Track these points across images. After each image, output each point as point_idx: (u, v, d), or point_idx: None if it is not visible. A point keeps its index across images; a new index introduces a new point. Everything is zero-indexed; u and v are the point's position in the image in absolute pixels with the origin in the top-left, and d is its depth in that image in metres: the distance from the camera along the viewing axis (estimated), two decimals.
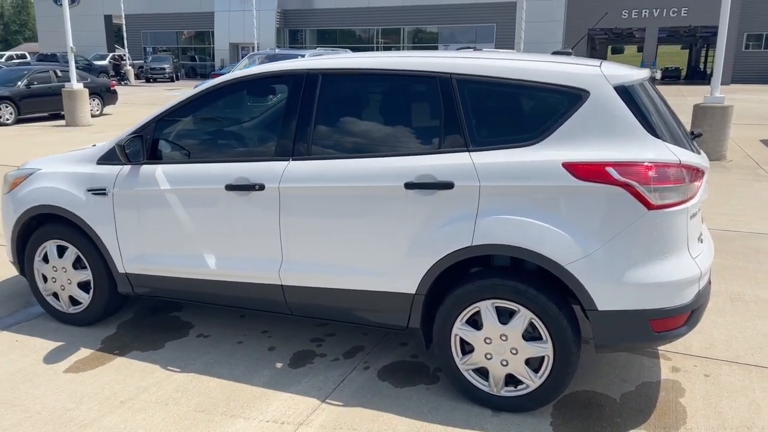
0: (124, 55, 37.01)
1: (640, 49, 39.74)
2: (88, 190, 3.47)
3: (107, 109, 18.20)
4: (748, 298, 4.18)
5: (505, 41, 36.15)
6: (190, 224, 3.27)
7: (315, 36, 42.15)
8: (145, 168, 3.36)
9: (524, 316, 2.70)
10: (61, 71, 16.24)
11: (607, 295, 2.55)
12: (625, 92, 2.62)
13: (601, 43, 48.62)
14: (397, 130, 2.92)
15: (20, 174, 3.78)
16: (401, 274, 2.88)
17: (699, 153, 2.83)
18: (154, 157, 3.39)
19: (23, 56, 39.44)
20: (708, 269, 2.73)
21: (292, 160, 3.07)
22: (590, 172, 2.54)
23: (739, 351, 3.42)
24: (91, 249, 3.55)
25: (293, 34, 42.41)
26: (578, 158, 2.57)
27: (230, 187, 3.13)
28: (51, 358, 3.37)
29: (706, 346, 3.49)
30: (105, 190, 3.42)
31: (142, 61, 39.31)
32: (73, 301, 3.75)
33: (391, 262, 2.89)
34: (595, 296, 2.57)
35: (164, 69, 35.68)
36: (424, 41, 39.98)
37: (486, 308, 2.76)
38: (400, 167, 2.83)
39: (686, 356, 3.37)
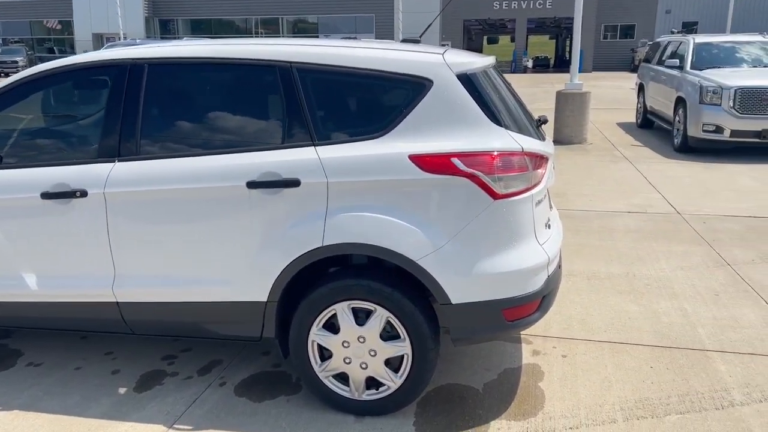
0: None
1: (512, 39, 41.74)
2: None
3: None
4: (602, 275, 4.38)
5: (385, 31, 36.53)
6: (5, 241, 2.82)
7: (189, 26, 40.16)
8: None
9: (381, 316, 2.59)
10: None
11: (459, 288, 2.49)
12: (467, 80, 2.56)
13: (476, 33, 50.55)
14: (237, 124, 2.67)
15: None
16: (250, 281, 2.65)
17: (544, 140, 2.85)
18: None
19: None
20: (557, 254, 2.76)
21: (119, 161, 2.73)
22: (436, 164, 2.45)
23: (593, 328, 3.55)
24: None
25: (164, 24, 40.14)
26: (424, 150, 2.47)
27: (47, 195, 2.73)
28: None
29: (564, 326, 3.59)
30: None
31: None
32: None
33: (239, 270, 2.66)
34: (447, 290, 2.50)
35: (16, 62, 32.31)
36: (304, 31, 39.42)
37: (342, 310, 2.61)
38: (241, 165, 2.60)
39: (546, 338, 3.44)
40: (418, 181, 2.46)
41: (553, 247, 2.71)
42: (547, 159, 2.70)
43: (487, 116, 2.53)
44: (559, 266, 2.90)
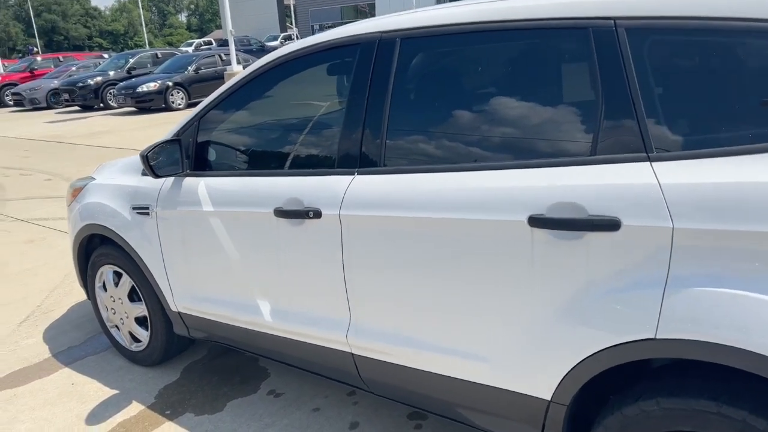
0: (293, 34, 38.38)
1: None
2: (133, 208, 2.77)
3: None
4: None
5: None
6: (238, 260, 2.40)
7: None
8: (188, 182, 2.55)
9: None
10: (225, 55, 16.79)
11: None
12: None
13: None
14: (526, 124, 1.73)
15: (79, 184, 3.23)
16: (520, 366, 1.73)
17: None
18: (200, 166, 2.57)
19: (209, 42, 42.90)
20: None
21: (359, 173, 2.03)
22: None
23: None
24: (143, 279, 2.88)
25: None
26: None
27: (280, 213, 2.19)
28: (95, 416, 2.77)
29: None
30: (148, 208, 2.69)
31: None
32: (135, 338, 3.15)
33: (505, 346, 1.75)
34: None
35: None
36: None
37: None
38: (524, 189, 1.65)
39: None
40: None
41: None
42: None
43: None
44: None
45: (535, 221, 1.60)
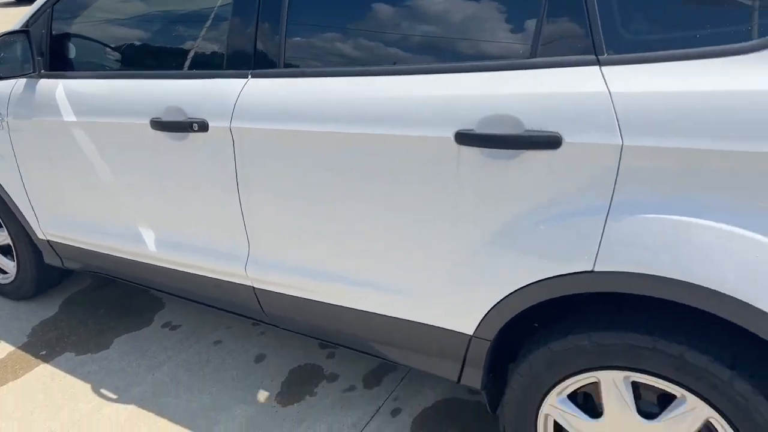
0: None
1: None
2: None
3: None
4: None
5: None
6: (111, 181, 2.02)
7: None
8: (44, 85, 2.08)
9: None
10: None
11: None
12: None
13: None
14: (472, 17, 1.44)
15: None
16: (444, 298, 1.55)
17: None
18: (58, 65, 2.10)
19: None
20: None
21: (253, 76, 1.68)
22: None
23: None
24: (1, 202, 2.43)
25: None
26: None
27: (158, 125, 1.81)
28: None
29: None
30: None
31: None
32: (0, 269, 2.72)
33: (429, 278, 1.55)
34: None
35: None
36: None
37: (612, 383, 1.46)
38: (450, 98, 1.39)
39: None
40: None
41: None
42: None
43: None
44: None
45: (463, 137, 1.35)
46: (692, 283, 1.17)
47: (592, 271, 1.29)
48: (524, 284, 1.38)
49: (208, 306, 2.13)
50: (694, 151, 1.13)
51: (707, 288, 1.16)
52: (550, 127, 1.26)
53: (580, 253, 1.29)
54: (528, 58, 1.33)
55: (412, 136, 1.43)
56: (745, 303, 1.13)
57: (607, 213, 1.25)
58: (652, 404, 1.40)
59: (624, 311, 1.39)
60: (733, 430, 1.28)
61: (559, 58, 1.29)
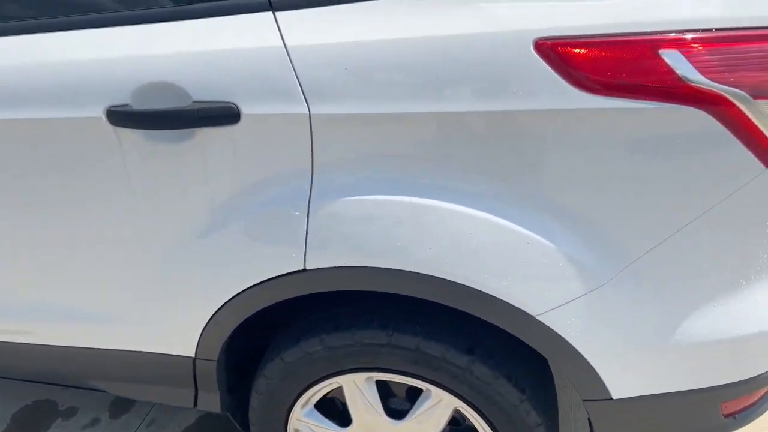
0: None
1: None
2: None
3: None
4: None
5: None
6: None
7: None
8: None
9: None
10: None
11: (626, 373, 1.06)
12: None
13: None
14: None
15: None
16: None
17: None
18: None
19: None
20: None
21: None
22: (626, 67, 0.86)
23: None
24: None
25: None
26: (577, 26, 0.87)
27: None
28: None
29: None
30: None
31: None
32: None
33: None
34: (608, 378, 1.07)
35: None
36: None
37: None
38: (107, 62, 1.02)
39: None
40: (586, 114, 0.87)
41: None
42: None
43: None
44: None
45: (116, 116, 1.00)
46: (407, 271, 0.99)
47: (304, 270, 1.05)
48: (232, 295, 1.11)
49: None
50: (383, 116, 0.91)
51: (421, 274, 0.98)
52: (222, 96, 0.96)
53: (288, 251, 1.04)
54: (187, 2, 1.00)
55: (57, 118, 1.04)
56: (456, 283, 0.97)
57: (308, 200, 1.00)
58: (404, 403, 1.24)
59: (361, 307, 1.19)
60: (481, 416, 1.16)
61: (225, 2, 0.98)
